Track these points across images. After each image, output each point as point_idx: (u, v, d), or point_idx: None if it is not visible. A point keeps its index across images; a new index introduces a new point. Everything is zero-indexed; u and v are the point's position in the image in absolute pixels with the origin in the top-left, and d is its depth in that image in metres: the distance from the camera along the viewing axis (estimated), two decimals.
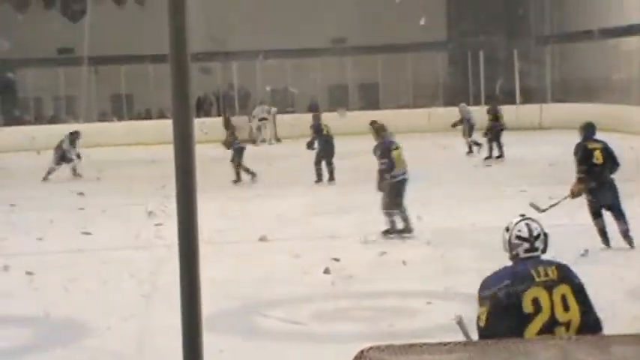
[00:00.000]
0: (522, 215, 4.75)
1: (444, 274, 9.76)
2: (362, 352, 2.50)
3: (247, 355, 7.64)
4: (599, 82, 30.33)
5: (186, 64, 2.28)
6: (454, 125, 23.33)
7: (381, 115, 32.88)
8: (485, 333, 4.34)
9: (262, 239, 12.20)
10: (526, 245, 4.57)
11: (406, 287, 9.40)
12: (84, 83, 33.44)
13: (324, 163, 18.35)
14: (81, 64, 33.14)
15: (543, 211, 10.90)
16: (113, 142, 28.11)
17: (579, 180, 10.90)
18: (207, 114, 32.83)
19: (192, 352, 2.42)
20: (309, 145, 18.81)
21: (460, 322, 4.58)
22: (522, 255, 4.56)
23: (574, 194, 11.03)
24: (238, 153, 18.82)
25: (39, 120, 32.77)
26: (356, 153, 23.84)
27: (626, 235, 10.77)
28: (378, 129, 13.17)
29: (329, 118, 29.97)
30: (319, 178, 18.21)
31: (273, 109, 30.06)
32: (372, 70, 34.09)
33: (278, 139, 29.37)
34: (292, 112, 32.88)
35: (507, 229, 4.63)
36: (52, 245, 12.39)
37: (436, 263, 10.46)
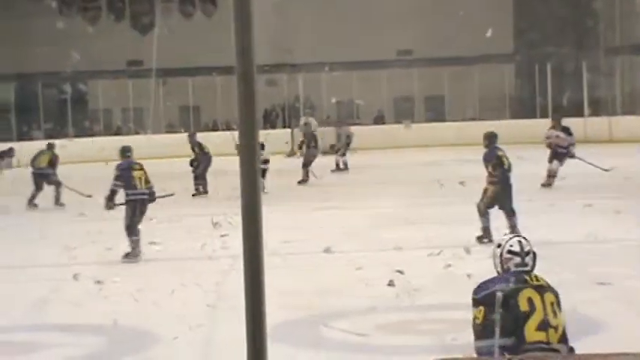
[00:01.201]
0: (511, 233, 5.23)
1: None
2: None
3: None
4: None
5: (252, 76, 2.31)
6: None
7: (446, 128, 32.87)
8: (481, 332, 4.70)
9: (327, 251, 12.21)
10: (517, 259, 4.86)
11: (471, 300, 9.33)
12: (152, 95, 33.86)
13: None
14: (149, 76, 33.58)
15: None
16: (180, 153, 28.38)
17: (492, 182, 12.52)
18: (273, 126, 33.02)
19: None
20: (191, 164, 20.27)
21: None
22: (513, 269, 4.86)
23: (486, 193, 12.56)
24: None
25: (108, 131, 33.24)
26: (421, 165, 23.82)
27: (514, 230, 11.78)
28: (120, 151, 13.37)
29: (394, 130, 29.91)
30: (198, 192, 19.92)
31: (314, 122, 30.15)
32: (438, 83, 33.99)
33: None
34: (358, 124, 32.92)
35: (499, 245, 4.98)
36: (121, 254, 12.54)
37: None
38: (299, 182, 21.05)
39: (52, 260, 12.46)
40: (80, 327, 8.94)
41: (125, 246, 12.78)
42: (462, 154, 24.16)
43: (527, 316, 4.64)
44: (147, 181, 12.83)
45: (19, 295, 10.38)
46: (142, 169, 12.91)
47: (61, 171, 21.17)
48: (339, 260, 11.77)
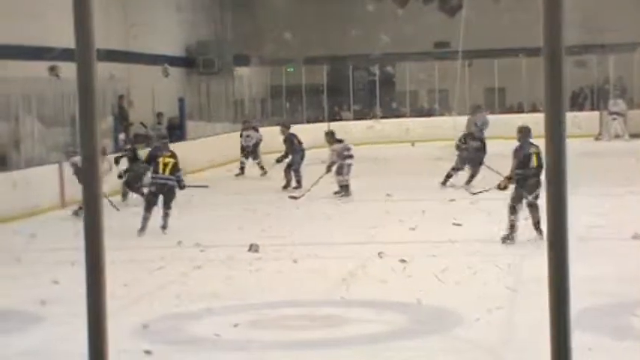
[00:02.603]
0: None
1: None
2: None
3: (617, 356, 7.44)
4: None
5: (560, 57, 2.27)
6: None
7: None
8: None
9: (635, 237, 11.80)
10: None
11: None
12: (458, 77, 33.94)
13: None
14: (455, 58, 33.65)
15: (474, 194, 12.48)
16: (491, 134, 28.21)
17: (509, 179, 12.11)
18: (581, 108, 32.18)
19: (559, 348, 2.40)
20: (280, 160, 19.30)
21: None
22: None
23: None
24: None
25: (414, 112, 33.69)
26: None
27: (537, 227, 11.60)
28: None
29: None
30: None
31: (623, 105, 28.93)
32: None
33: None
34: None
35: None
36: (424, 235, 12.70)
37: None
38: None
39: (357, 238, 12.81)
40: (384, 304, 9.15)
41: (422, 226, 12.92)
42: None
43: None
44: (173, 169, 13.71)
45: (325, 271, 10.75)
46: (171, 157, 13.85)
47: (366, 151, 21.70)
48: None
